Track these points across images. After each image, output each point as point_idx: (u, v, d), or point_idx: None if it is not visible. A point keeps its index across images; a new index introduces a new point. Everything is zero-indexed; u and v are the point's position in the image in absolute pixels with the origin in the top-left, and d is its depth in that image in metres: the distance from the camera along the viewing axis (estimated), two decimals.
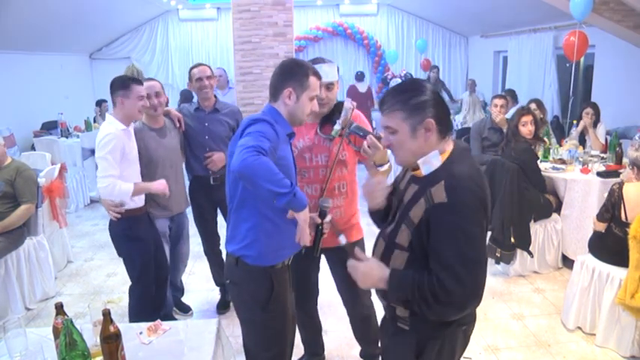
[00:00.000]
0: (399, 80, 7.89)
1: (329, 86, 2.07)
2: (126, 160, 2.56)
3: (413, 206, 1.38)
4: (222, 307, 3.39)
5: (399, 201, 1.50)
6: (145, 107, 2.67)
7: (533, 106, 4.59)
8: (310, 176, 2.17)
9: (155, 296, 2.83)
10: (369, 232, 2.18)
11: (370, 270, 1.43)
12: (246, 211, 1.80)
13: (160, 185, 2.64)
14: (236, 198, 1.81)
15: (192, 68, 3.13)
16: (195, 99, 3.39)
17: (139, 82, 2.63)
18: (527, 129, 3.79)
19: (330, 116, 2.13)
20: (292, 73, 1.80)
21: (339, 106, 2.12)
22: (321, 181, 2.16)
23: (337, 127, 2.04)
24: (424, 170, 1.38)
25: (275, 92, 1.82)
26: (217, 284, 3.46)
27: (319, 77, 1.84)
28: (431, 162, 1.38)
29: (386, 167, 2.06)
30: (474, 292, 1.31)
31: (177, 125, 3.02)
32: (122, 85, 2.56)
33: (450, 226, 1.29)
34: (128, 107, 2.56)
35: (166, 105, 2.98)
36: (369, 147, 1.93)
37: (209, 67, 3.16)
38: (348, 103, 2.07)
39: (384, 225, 1.56)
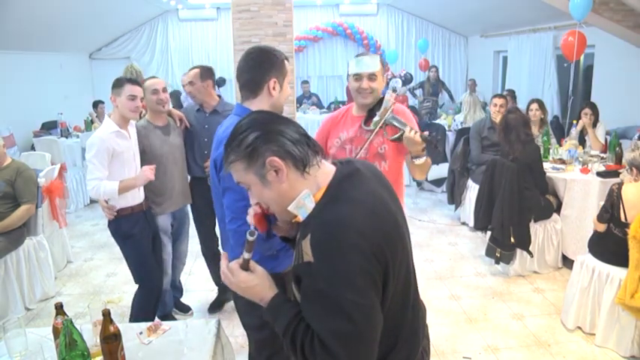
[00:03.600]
0: (398, 80, 7.84)
1: (371, 77, 2.09)
2: (118, 160, 2.60)
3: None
4: (216, 307, 3.39)
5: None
6: (137, 109, 2.63)
7: (535, 106, 4.59)
8: None
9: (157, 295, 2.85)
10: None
11: (252, 285, 1.20)
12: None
13: (144, 178, 2.63)
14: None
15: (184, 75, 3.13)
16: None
17: (137, 83, 2.63)
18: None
19: (374, 109, 2.13)
20: (271, 62, 1.74)
21: (381, 100, 2.12)
22: None
23: (376, 118, 2.05)
24: (301, 215, 1.13)
25: (256, 87, 1.74)
26: (216, 284, 3.46)
27: (288, 60, 1.83)
28: (304, 204, 1.12)
29: (422, 160, 2.01)
30: None
31: (179, 124, 3.04)
32: (116, 83, 2.60)
33: (316, 294, 1.05)
34: (120, 106, 2.59)
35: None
36: (404, 138, 1.94)
37: (198, 69, 3.05)
38: (388, 95, 2.07)
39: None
